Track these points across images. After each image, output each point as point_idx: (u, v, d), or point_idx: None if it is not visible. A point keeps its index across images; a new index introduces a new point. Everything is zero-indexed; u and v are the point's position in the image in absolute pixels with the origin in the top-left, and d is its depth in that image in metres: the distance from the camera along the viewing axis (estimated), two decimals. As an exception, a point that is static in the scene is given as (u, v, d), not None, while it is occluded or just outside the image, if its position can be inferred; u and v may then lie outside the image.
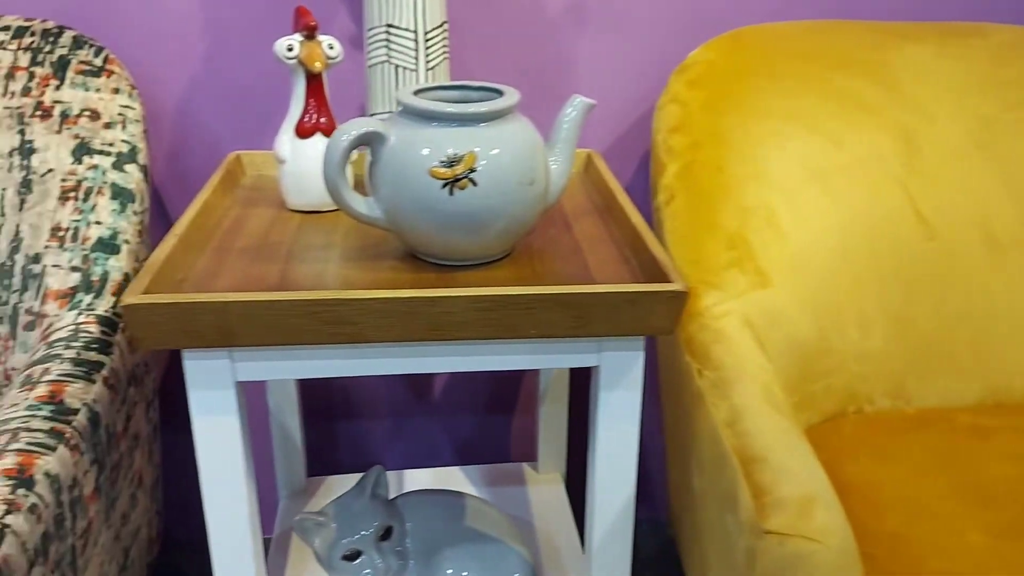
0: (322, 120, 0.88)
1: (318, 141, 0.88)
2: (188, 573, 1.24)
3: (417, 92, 0.77)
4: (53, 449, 0.68)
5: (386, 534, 0.91)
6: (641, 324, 0.69)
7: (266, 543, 1.26)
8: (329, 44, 0.87)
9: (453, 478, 1.20)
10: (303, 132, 0.88)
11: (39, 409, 0.71)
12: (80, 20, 1.02)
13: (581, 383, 1.27)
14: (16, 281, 0.86)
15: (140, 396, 0.89)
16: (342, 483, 1.18)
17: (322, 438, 1.26)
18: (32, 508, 0.63)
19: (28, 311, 0.85)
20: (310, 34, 0.85)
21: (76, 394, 0.74)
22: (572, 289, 0.69)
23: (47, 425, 0.70)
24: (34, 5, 1.01)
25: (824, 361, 0.98)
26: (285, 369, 0.73)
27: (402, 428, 1.27)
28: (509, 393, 1.28)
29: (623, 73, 1.12)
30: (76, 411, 0.73)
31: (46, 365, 0.76)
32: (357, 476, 1.19)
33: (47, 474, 0.66)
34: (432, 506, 0.96)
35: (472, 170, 0.72)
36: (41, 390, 0.73)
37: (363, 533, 0.90)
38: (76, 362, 0.77)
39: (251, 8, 1.04)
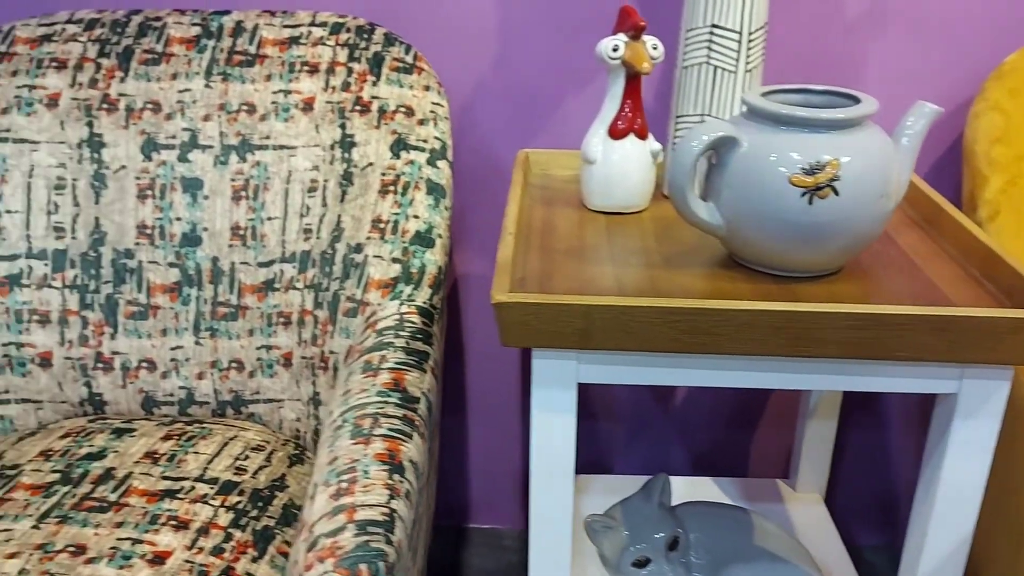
0: (637, 122, 0.87)
1: (629, 143, 0.87)
2: (434, 554, 1.28)
3: (762, 96, 0.75)
4: (410, 436, 0.70)
5: (674, 544, 0.90)
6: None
7: (522, 534, 1.28)
8: (653, 45, 0.86)
9: (704, 488, 1.17)
10: (616, 133, 0.87)
11: (388, 396, 0.74)
12: (370, 14, 1.05)
13: (852, 402, 1.21)
14: (337, 269, 0.90)
15: (441, 386, 0.91)
16: (584, 483, 1.18)
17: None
18: (407, 494, 0.65)
19: (349, 298, 0.89)
20: (636, 34, 0.84)
21: (415, 383, 0.77)
22: (951, 312, 0.65)
23: (400, 412, 0.72)
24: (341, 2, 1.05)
25: None
26: (625, 374, 0.72)
27: (638, 434, 1.26)
28: (757, 406, 1.24)
29: (917, 76, 1.06)
30: (418, 400, 0.75)
31: (382, 352, 0.79)
32: (592, 477, 1.18)
33: (411, 461, 0.68)
34: (716, 518, 0.94)
35: (835, 179, 0.69)
36: (385, 377, 0.76)
37: (654, 540, 0.89)
38: (407, 351, 0.80)
39: (534, 9, 1.04)
